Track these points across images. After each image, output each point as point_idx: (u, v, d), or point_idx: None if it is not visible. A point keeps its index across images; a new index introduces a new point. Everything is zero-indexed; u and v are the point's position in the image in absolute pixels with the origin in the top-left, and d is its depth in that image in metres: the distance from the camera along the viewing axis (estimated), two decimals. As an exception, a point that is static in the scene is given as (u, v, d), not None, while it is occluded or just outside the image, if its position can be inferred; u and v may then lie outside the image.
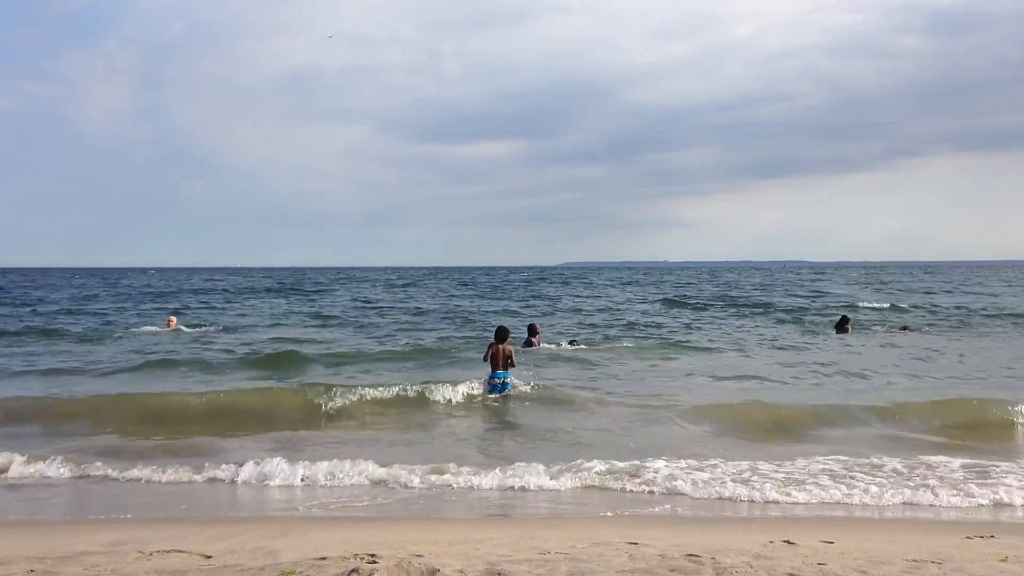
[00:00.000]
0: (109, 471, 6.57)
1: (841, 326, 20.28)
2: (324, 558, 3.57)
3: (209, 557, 3.75)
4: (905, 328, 21.53)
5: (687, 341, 17.14)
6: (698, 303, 30.49)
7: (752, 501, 5.87)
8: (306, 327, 21.28)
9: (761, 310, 26.83)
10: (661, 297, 34.35)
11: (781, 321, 22.69)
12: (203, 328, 22.35)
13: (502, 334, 10.63)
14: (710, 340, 17.30)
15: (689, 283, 53.15)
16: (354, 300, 34.64)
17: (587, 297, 36.19)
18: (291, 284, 52.93)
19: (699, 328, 20.42)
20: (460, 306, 30.25)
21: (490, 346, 10.58)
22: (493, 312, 26.87)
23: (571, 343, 17.88)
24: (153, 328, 21.76)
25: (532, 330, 17.01)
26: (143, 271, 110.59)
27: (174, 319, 22.81)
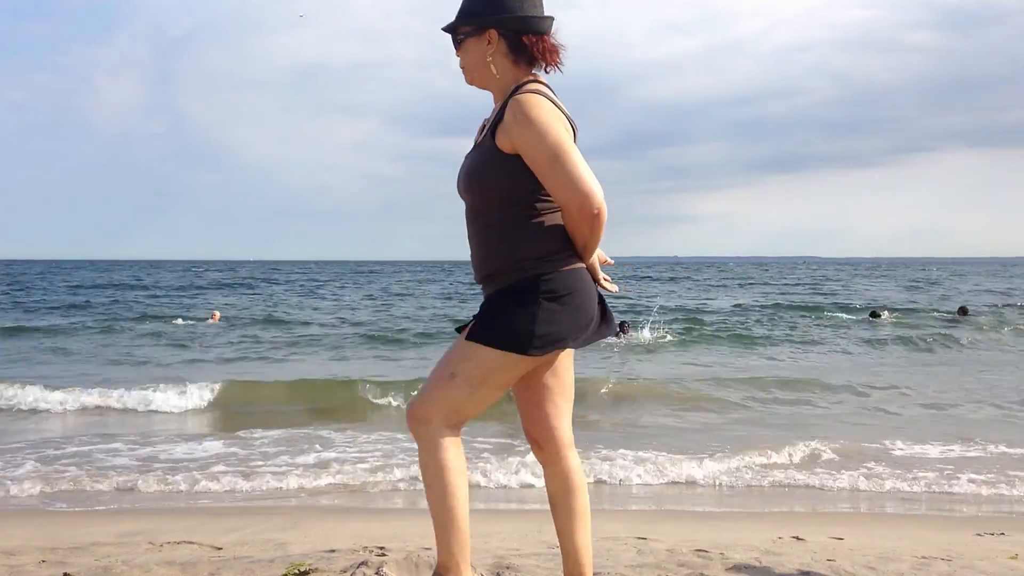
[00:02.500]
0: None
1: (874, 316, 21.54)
2: (333, 550, 3.58)
3: (219, 549, 3.77)
4: (963, 311, 21.78)
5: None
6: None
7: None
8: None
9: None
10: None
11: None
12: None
13: None
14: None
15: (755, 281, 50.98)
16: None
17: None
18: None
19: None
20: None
21: None
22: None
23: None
24: (193, 321, 21.79)
25: None
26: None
27: (218, 313, 22.87)
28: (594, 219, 2.27)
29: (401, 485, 6.36)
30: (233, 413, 9.48)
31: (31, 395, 9.75)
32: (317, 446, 7.60)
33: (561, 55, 2.43)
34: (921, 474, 6.54)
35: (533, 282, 2.31)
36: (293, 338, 17.92)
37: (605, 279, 2.52)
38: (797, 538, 4.12)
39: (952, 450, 7.40)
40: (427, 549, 3.60)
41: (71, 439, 7.78)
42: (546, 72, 2.43)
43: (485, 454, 7.03)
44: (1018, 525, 4.92)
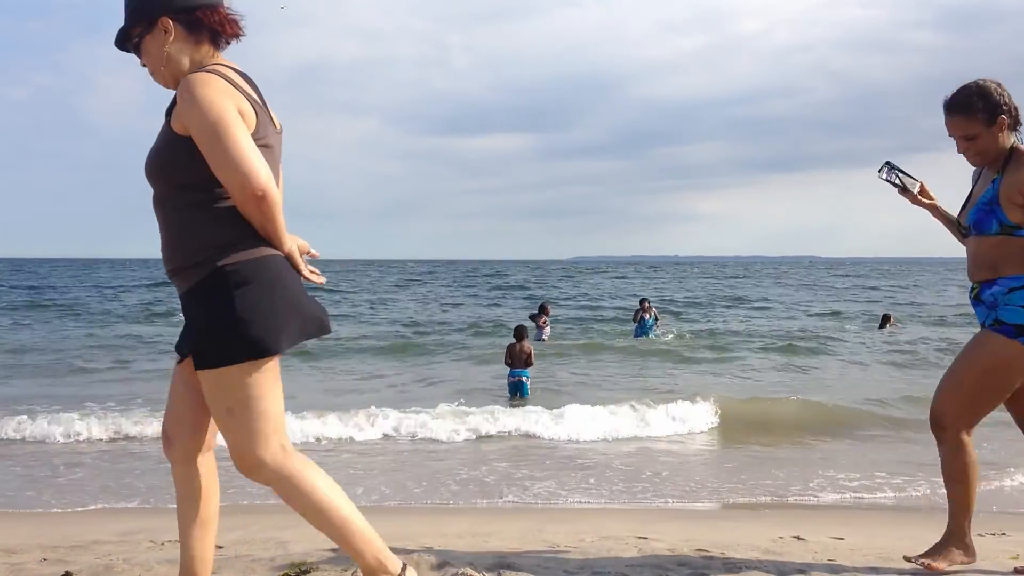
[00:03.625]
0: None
1: (883, 323, 20.81)
2: (334, 549, 3.58)
3: (220, 547, 3.76)
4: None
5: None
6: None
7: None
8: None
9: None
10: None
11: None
12: None
13: (520, 333, 10.77)
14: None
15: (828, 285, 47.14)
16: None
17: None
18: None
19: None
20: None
21: (509, 347, 10.69)
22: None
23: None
24: None
25: (543, 310, 16.96)
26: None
27: None
28: (259, 202, 2.16)
29: (396, 483, 6.37)
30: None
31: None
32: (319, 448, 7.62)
33: (241, 25, 2.35)
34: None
35: (220, 276, 2.20)
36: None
37: (312, 271, 2.42)
38: (798, 538, 4.11)
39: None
40: (427, 548, 3.61)
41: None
42: (227, 44, 2.36)
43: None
44: (1019, 524, 4.91)
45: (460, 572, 3.14)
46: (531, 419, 8.52)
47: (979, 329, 3.24)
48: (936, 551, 3.32)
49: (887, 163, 3.48)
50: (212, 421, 2.43)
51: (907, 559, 3.39)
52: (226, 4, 2.35)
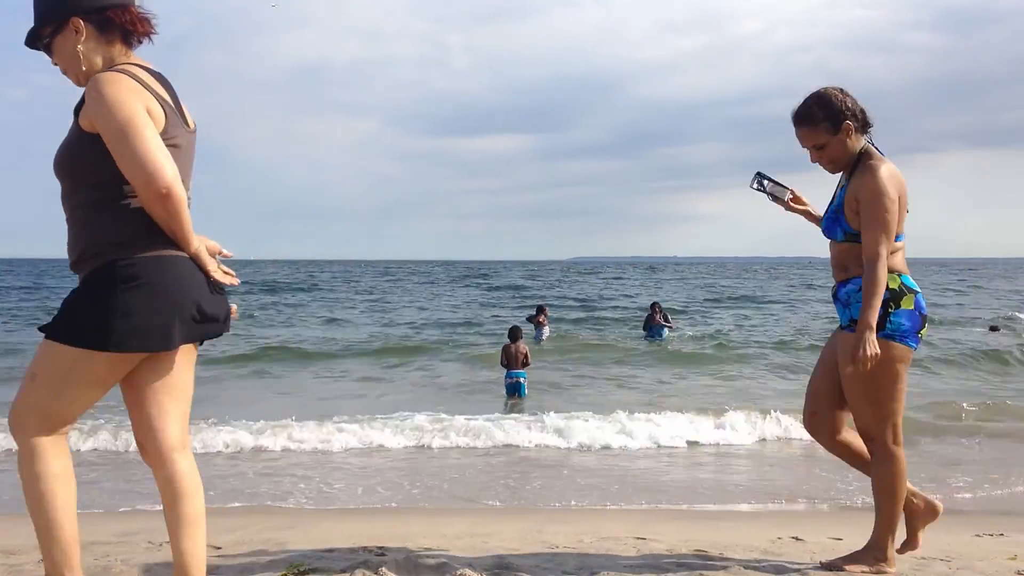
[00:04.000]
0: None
1: None
2: (332, 550, 3.59)
3: (218, 548, 3.76)
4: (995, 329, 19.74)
5: None
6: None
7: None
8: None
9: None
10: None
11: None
12: None
13: (515, 333, 10.78)
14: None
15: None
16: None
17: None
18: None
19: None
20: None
21: (505, 348, 10.71)
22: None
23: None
24: None
25: (540, 311, 16.94)
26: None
27: (235, 307, 22.49)
28: (164, 199, 2.18)
29: (395, 485, 6.37)
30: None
31: None
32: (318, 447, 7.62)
33: (153, 24, 2.38)
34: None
35: (110, 269, 2.22)
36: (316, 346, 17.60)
37: (225, 271, 2.44)
38: (796, 538, 4.11)
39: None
40: (426, 549, 3.61)
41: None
42: (139, 42, 2.38)
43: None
44: (1017, 526, 4.91)
45: (460, 573, 3.14)
46: (529, 420, 8.52)
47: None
48: (856, 559, 3.32)
49: (757, 173, 3.52)
50: (179, 416, 2.43)
51: (822, 564, 3.39)
52: (137, 3, 2.38)
